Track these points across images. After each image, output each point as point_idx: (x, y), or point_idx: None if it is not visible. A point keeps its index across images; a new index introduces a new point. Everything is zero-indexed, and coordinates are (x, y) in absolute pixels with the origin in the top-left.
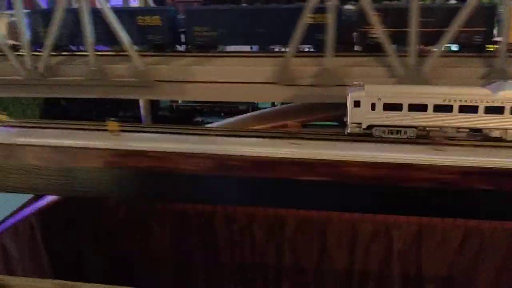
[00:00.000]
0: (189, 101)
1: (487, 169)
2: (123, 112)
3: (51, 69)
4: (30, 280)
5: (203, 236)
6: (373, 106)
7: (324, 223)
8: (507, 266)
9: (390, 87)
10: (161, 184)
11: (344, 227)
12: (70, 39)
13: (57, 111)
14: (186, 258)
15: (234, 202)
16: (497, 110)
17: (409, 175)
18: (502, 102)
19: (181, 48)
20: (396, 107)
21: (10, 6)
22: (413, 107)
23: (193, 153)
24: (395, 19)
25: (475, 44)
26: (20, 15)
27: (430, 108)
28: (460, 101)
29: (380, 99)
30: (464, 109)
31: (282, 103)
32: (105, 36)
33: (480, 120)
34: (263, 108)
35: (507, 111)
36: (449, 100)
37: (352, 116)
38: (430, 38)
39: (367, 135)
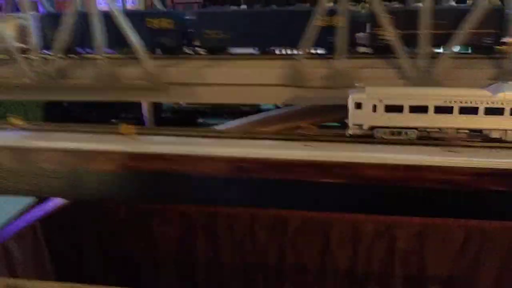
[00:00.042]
0: (191, 103)
1: (501, 170)
2: (126, 114)
3: (61, 72)
4: (34, 282)
5: (205, 237)
6: (374, 108)
7: (326, 223)
8: (509, 266)
9: (391, 89)
10: (175, 186)
11: (346, 227)
12: (77, 42)
13: (58, 113)
14: (188, 259)
15: (253, 204)
16: (497, 111)
17: (424, 176)
18: (502, 103)
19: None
20: (397, 108)
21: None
22: (414, 109)
23: (210, 156)
24: (405, 21)
25: (485, 45)
26: (29, 18)
27: (431, 110)
28: (461, 102)
29: (381, 100)
30: (464, 110)
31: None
32: (113, 39)
33: (480, 121)
34: (266, 110)
35: (507, 112)
36: (450, 102)
37: (354, 117)
38: (440, 40)
39: (368, 137)
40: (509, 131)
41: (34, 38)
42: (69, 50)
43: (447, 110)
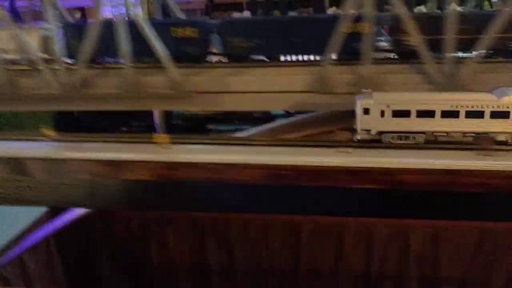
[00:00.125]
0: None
1: None
2: (137, 122)
3: (86, 82)
4: None
5: (219, 243)
6: (382, 113)
7: (340, 227)
8: None
9: (398, 95)
10: (210, 195)
11: (360, 231)
12: (101, 52)
13: (69, 122)
14: (202, 266)
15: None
16: (503, 115)
17: (460, 180)
18: (507, 107)
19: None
20: (405, 113)
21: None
22: (421, 114)
23: (246, 163)
24: (429, 26)
25: (510, 49)
26: (54, 28)
27: (438, 114)
28: (467, 106)
29: (389, 106)
30: (470, 114)
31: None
32: (137, 48)
33: (486, 125)
34: (277, 116)
35: None
36: (456, 106)
37: (362, 123)
38: (464, 45)
39: (376, 141)
40: None
41: (58, 48)
42: (92, 60)
43: (454, 114)
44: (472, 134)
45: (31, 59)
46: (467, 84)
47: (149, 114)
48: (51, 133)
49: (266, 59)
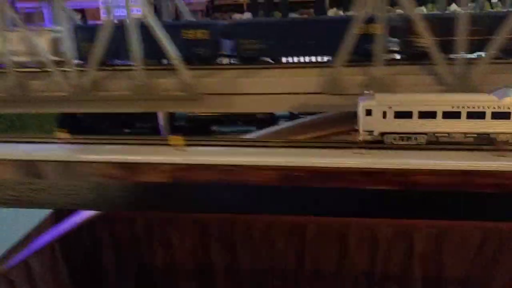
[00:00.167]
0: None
1: None
2: (141, 123)
3: (96, 84)
4: None
5: (222, 244)
6: (384, 114)
7: (343, 228)
8: None
9: (401, 96)
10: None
11: (364, 232)
12: (111, 54)
13: (71, 123)
14: (206, 267)
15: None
16: (504, 115)
17: (474, 181)
18: (508, 108)
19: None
20: (407, 114)
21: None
22: (423, 115)
23: (260, 165)
24: (440, 28)
25: None
26: (66, 30)
27: (439, 115)
28: (468, 107)
29: (391, 107)
30: (471, 115)
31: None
32: (146, 50)
33: (487, 126)
34: (281, 118)
35: None
36: (458, 107)
37: (364, 124)
38: (476, 46)
39: (378, 142)
40: None
41: (69, 50)
42: (103, 62)
43: (455, 115)
44: (473, 135)
45: (41, 61)
46: (478, 85)
47: (153, 115)
48: (65, 135)
49: (273, 61)
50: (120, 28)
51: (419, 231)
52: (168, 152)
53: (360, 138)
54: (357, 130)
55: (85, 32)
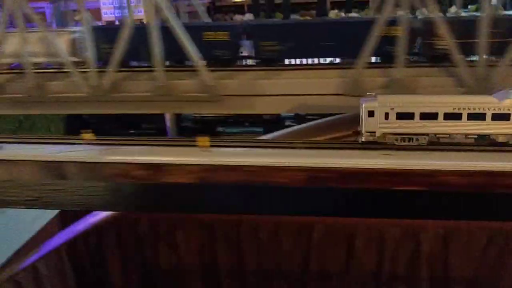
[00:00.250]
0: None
1: None
2: (147, 124)
3: (116, 85)
4: None
5: (228, 244)
6: (386, 116)
7: (350, 229)
8: None
9: (402, 97)
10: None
11: (371, 232)
12: (130, 55)
13: (78, 124)
14: (213, 268)
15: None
16: (504, 117)
17: (504, 182)
18: (508, 109)
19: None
20: (408, 116)
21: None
22: (425, 116)
23: (286, 166)
24: (461, 30)
25: None
26: (86, 31)
27: (441, 116)
28: (469, 109)
29: (393, 108)
30: (472, 116)
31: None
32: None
33: (487, 127)
34: (287, 119)
35: None
36: (458, 109)
37: (366, 125)
38: (496, 49)
39: (380, 143)
40: None
41: (89, 51)
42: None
43: (456, 116)
44: (474, 136)
45: (61, 63)
46: (499, 87)
47: (160, 116)
48: (90, 136)
49: (295, 62)
50: (137, 30)
51: (426, 231)
52: (194, 153)
53: (363, 139)
54: (359, 132)
55: (103, 33)
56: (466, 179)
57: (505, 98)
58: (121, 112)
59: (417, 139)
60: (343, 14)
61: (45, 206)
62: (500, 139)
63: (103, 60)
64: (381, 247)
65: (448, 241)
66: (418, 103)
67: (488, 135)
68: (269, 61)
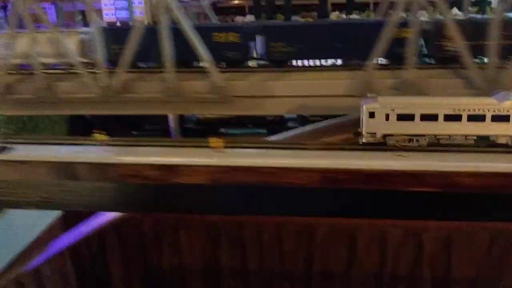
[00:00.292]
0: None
1: None
2: (150, 125)
3: (126, 86)
4: None
5: (232, 245)
6: (387, 117)
7: (353, 229)
8: None
9: (403, 99)
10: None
11: (373, 233)
12: (139, 56)
13: (81, 125)
14: (216, 268)
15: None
16: (504, 118)
17: None
18: (508, 111)
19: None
20: (409, 117)
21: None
22: (425, 117)
23: (299, 167)
24: (471, 32)
25: None
26: (96, 32)
27: (441, 118)
28: (469, 110)
29: (394, 110)
30: (472, 118)
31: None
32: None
33: (487, 128)
34: (290, 120)
35: None
36: (458, 110)
37: (367, 126)
38: (506, 51)
39: (380, 144)
40: None
41: (99, 52)
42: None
43: (456, 118)
44: (474, 137)
45: (71, 63)
46: (510, 88)
47: (163, 117)
48: (103, 137)
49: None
50: (146, 31)
51: (428, 232)
52: (208, 154)
53: (363, 140)
54: (360, 133)
55: (113, 34)
56: (478, 180)
57: (505, 100)
58: (130, 113)
59: (418, 140)
60: (344, 16)
61: (57, 207)
62: (500, 140)
63: (111, 61)
64: (383, 248)
65: (450, 241)
66: (418, 104)
67: (488, 136)
68: (280, 63)
